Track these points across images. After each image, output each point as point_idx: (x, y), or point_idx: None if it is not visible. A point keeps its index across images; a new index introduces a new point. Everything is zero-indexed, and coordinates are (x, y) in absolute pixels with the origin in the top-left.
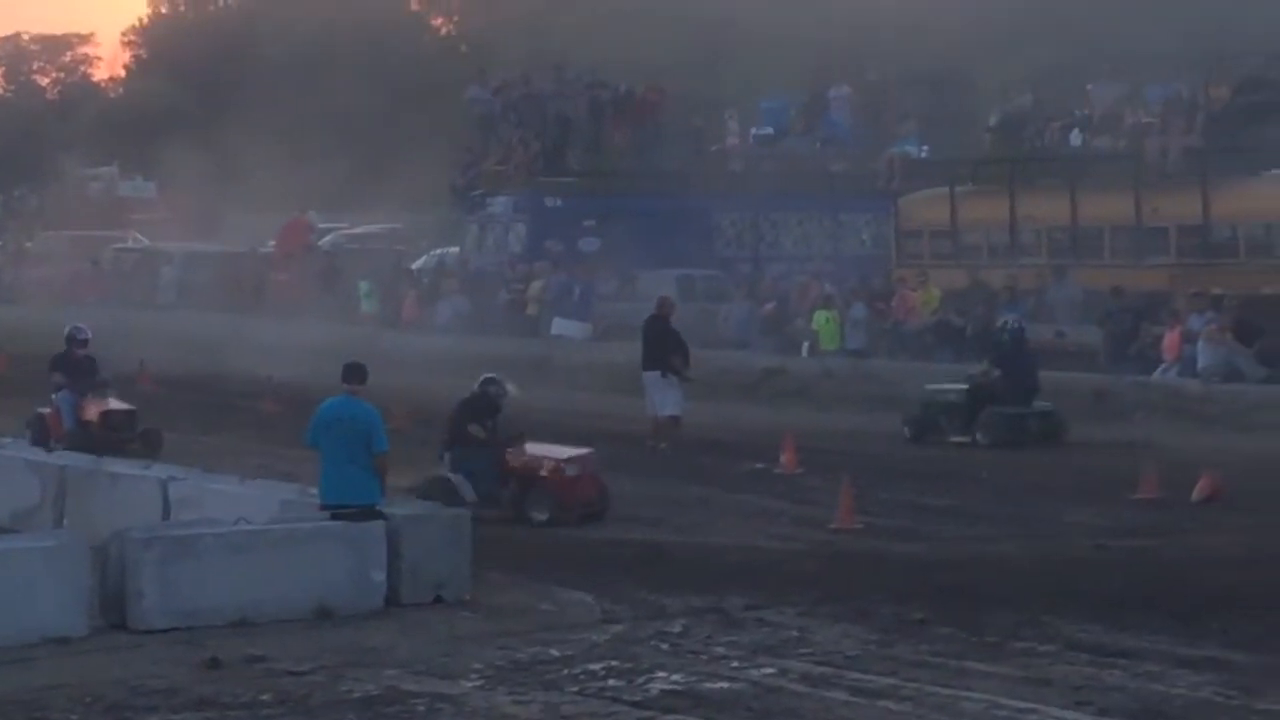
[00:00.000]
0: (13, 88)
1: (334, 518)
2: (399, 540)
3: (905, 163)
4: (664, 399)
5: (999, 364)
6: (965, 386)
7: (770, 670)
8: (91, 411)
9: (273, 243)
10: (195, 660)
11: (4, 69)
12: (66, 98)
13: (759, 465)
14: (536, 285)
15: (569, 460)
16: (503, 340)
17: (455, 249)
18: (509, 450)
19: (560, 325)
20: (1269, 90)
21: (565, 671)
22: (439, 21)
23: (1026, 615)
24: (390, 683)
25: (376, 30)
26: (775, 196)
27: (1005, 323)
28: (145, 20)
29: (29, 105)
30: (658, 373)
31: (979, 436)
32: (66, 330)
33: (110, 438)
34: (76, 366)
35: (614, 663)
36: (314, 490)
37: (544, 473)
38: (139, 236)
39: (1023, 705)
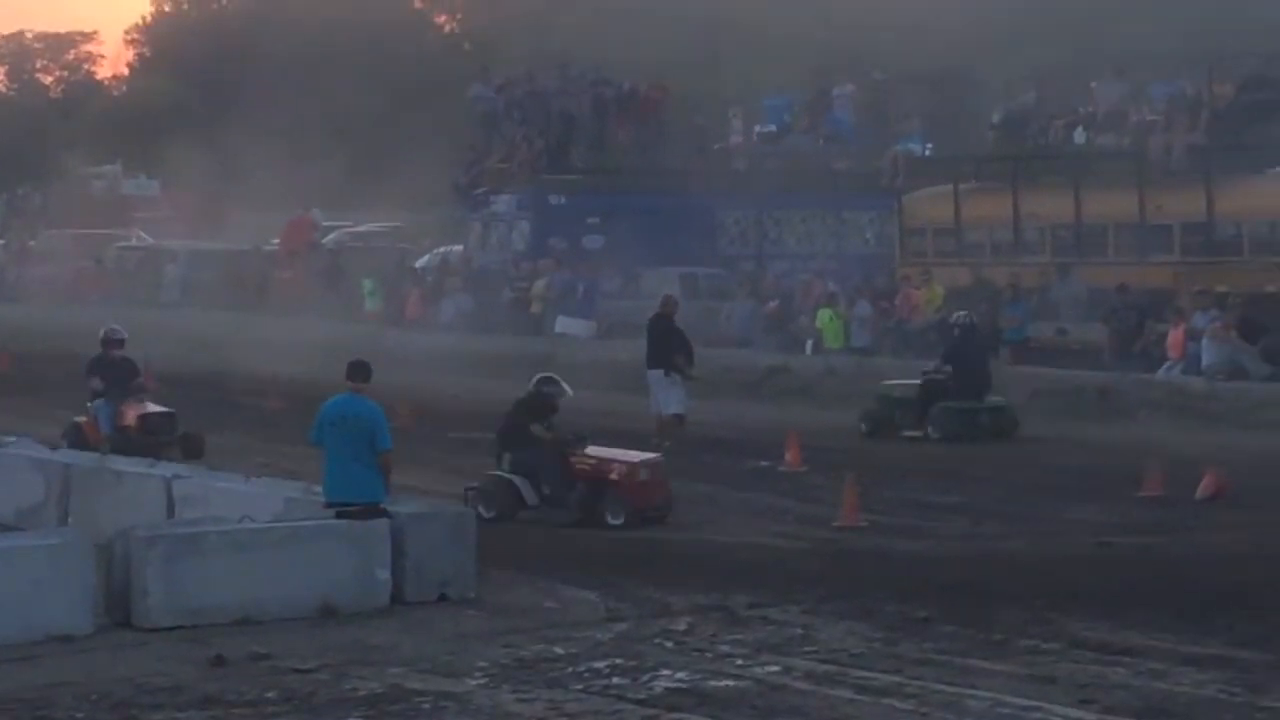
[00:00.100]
0: (16, 86)
1: (338, 516)
2: (403, 538)
3: (909, 160)
4: (668, 397)
5: (950, 360)
6: (918, 383)
7: (775, 668)
8: (130, 416)
9: (276, 241)
10: (200, 658)
11: (7, 67)
12: (70, 96)
13: (763, 463)
14: (540, 283)
15: (642, 464)
16: (506, 338)
17: (459, 247)
18: (574, 453)
19: (564, 323)
20: (1273, 88)
21: (570, 669)
22: (442, 19)
23: (1031, 613)
24: (395, 681)
25: (380, 28)
26: (779, 194)
27: (956, 320)
28: (148, 19)
29: (32, 103)
30: (661, 371)
31: (930, 431)
32: (101, 332)
33: (149, 442)
34: (114, 369)
35: (618, 661)
36: (318, 488)
37: (616, 476)
38: (142, 235)
39: (1027, 703)
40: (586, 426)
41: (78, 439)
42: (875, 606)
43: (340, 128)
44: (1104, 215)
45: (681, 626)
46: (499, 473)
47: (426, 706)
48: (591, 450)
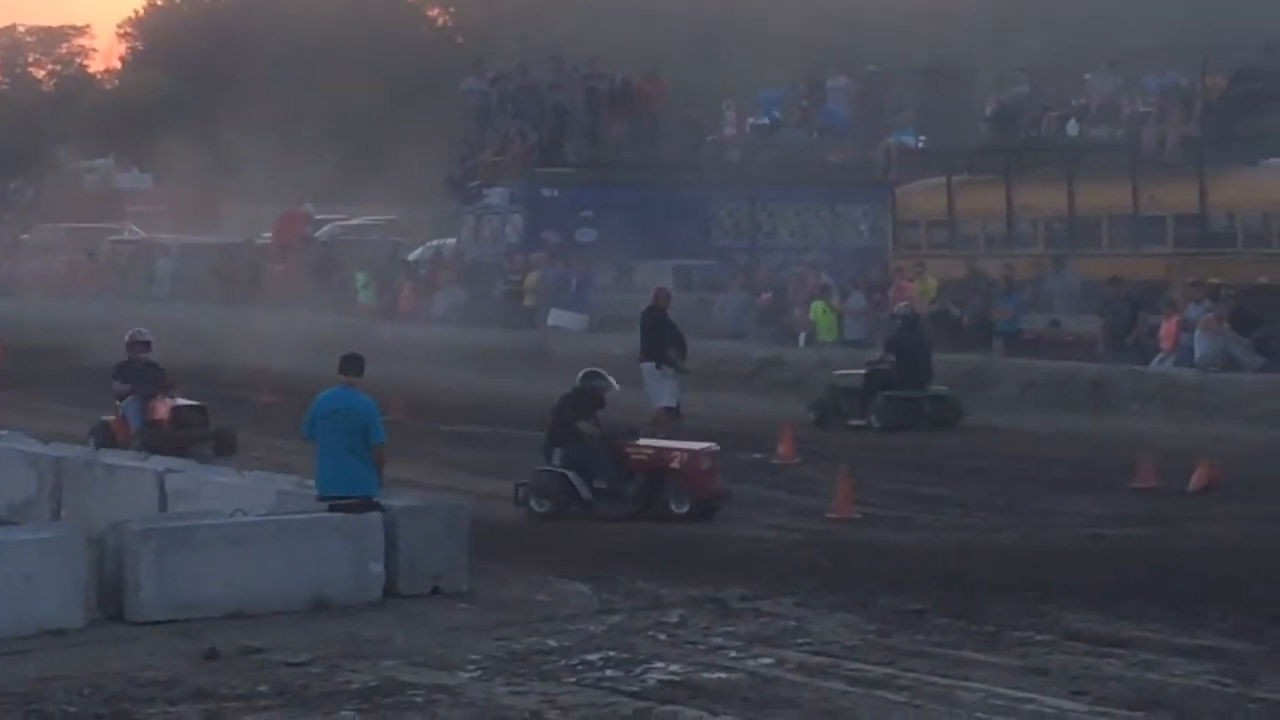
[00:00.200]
0: (8, 80)
1: (331, 509)
2: (396, 532)
3: (902, 153)
4: (660, 390)
5: (892, 351)
6: (863, 372)
7: (767, 660)
8: (161, 410)
9: (269, 234)
10: (193, 652)
11: (0, 61)
12: (62, 90)
13: (756, 455)
14: (533, 276)
15: (703, 453)
16: (499, 331)
17: (452, 240)
18: (626, 445)
19: (557, 316)
20: (1265, 80)
21: (563, 662)
22: (435, 13)
23: (1024, 605)
24: (388, 674)
25: (373, 22)
26: (772, 187)
27: (898, 311)
28: (141, 12)
29: (25, 97)
30: (653, 364)
31: (873, 420)
32: (127, 335)
33: (181, 436)
34: (140, 375)
35: (611, 653)
36: (311, 482)
37: (678, 465)
38: (135, 228)
39: (1020, 695)
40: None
41: (106, 438)
42: (868, 599)
43: (333, 121)
44: (1097, 207)
45: (674, 619)
46: (552, 468)
47: (419, 699)
48: (645, 441)
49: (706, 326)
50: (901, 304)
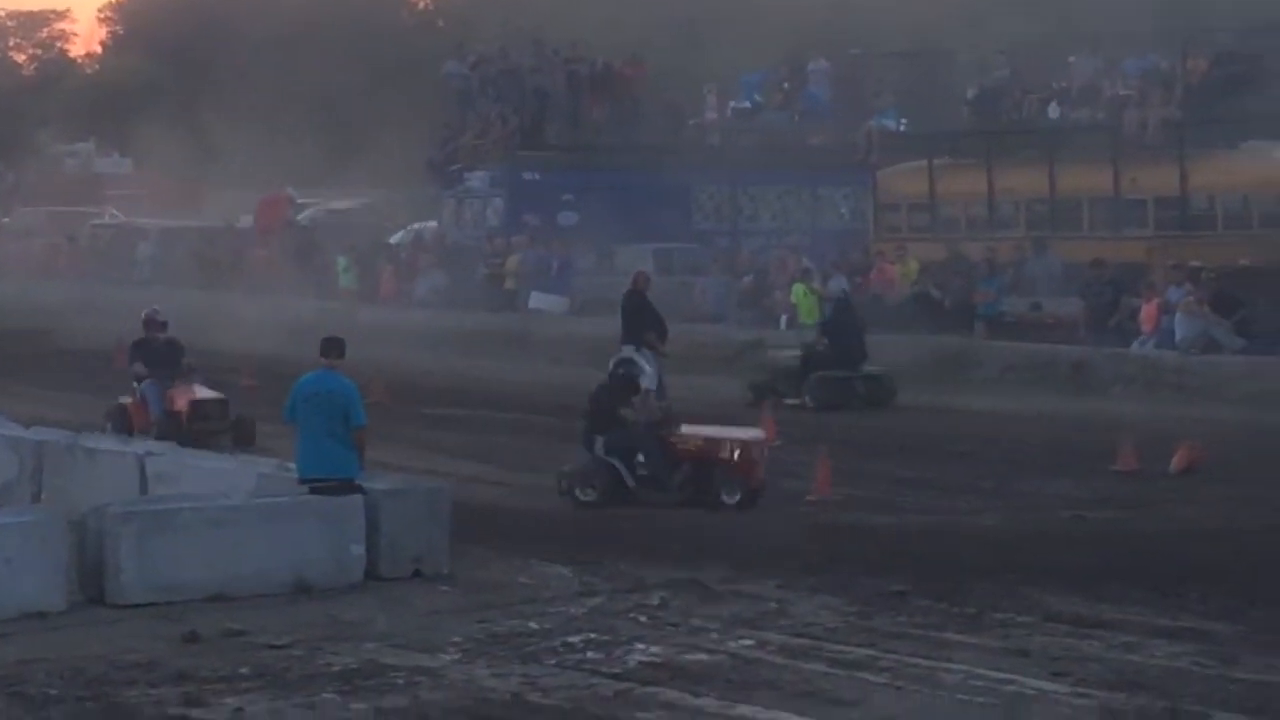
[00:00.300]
0: None
1: (312, 492)
2: (377, 514)
3: (884, 136)
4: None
5: (826, 332)
6: (799, 353)
7: (749, 642)
8: (180, 402)
9: (250, 218)
10: (174, 634)
11: None
12: (43, 74)
13: None
14: (514, 259)
15: (753, 442)
16: (480, 314)
17: (433, 223)
18: (673, 434)
19: (538, 299)
20: (1246, 63)
21: (544, 644)
22: None
23: (1005, 587)
24: (369, 656)
25: (354, 5)
26: (754, 170)
27: (833, 294)
28: None
29: (5, 82)
30: (633, 346)
31: (807, 399)
32: (143, 314)
33: (200, 429)
34: (157, 354)
35: (592, 635)
36: (292, 465)
37: (728, 455)
38: (115, 212)
39: (1001, 676)
40: (561, 402)
41: (123, 422)
42: (849, 580)
43: (314, 105)
44: (1078, 190)
45: (655, 601)
46: (595, 455)
47: (401, 682)
48: (689, 429)
49: (687, 310)
50: (834, 286)
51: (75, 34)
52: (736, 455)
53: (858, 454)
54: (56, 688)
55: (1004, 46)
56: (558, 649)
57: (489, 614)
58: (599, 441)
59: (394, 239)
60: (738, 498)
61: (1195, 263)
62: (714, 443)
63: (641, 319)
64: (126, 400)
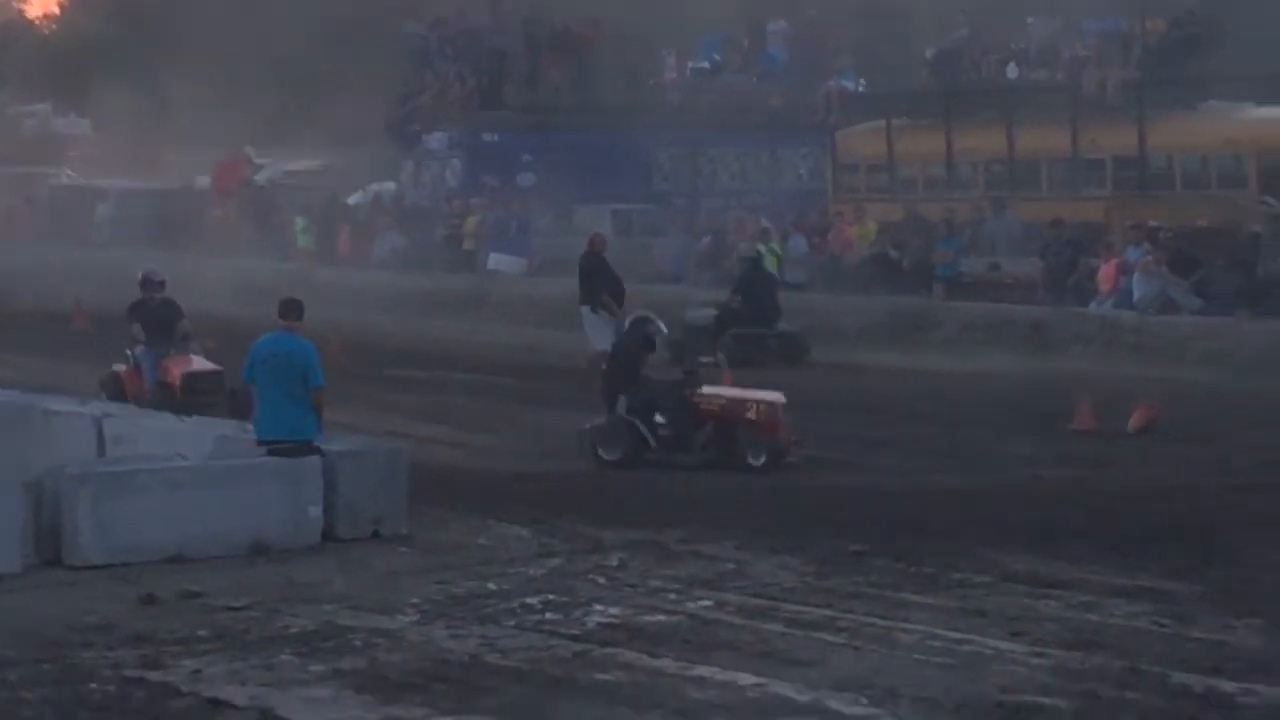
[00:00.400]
0: None
1: (270, 453)
2: (335, 475)
3: (842, 97)
4: (598, 333)
5: (739, 291)
6: (714, 312)
7: (707, 603)
8: (174, 373)
9: (208, 179)
10: (131, 596)
11: None
12: (0, 35)
13: None
14: (472, 220)
15: (777, 403)
16: (439, 275)
17: (391, 185)
18: (696, 393)
19: (496, 260)
20: (1204, 23)
21: (502, 605)
22: None
23: (962, 546)
24: (327, 618)
25: None
26: (712, 131)
27: (744, 253)
28: None
29: None
30: (588, 307)
31: (720, 357)
32: (139, 274)
33: (194, 402)
34: (155, 315)
35: (551, 596)
36: (250, 426)
37: (754, 416)
38: (73, 173)
39: (958, 636)
40: (520, 363)
41: (117, 390)
42: (807, 541)
43: (273, 65)
44: (1037, 150)
45: (614, 562)
46: (618, 415)
47: (359, 643)
48: (710, 390)
49: (646, 270)
50: (746, 246)
51: None
52: (760, 416)
53: (817, 414)
54: (13, 650)
55: (963, 7)
56: (516, 610)
57: (447, 575)
58: (621, 400)
59: (352, 200)
60: (763, 460)
61: (1153, 223)
62: (737, 403)
63: (596, 280)
64: (120, 368)
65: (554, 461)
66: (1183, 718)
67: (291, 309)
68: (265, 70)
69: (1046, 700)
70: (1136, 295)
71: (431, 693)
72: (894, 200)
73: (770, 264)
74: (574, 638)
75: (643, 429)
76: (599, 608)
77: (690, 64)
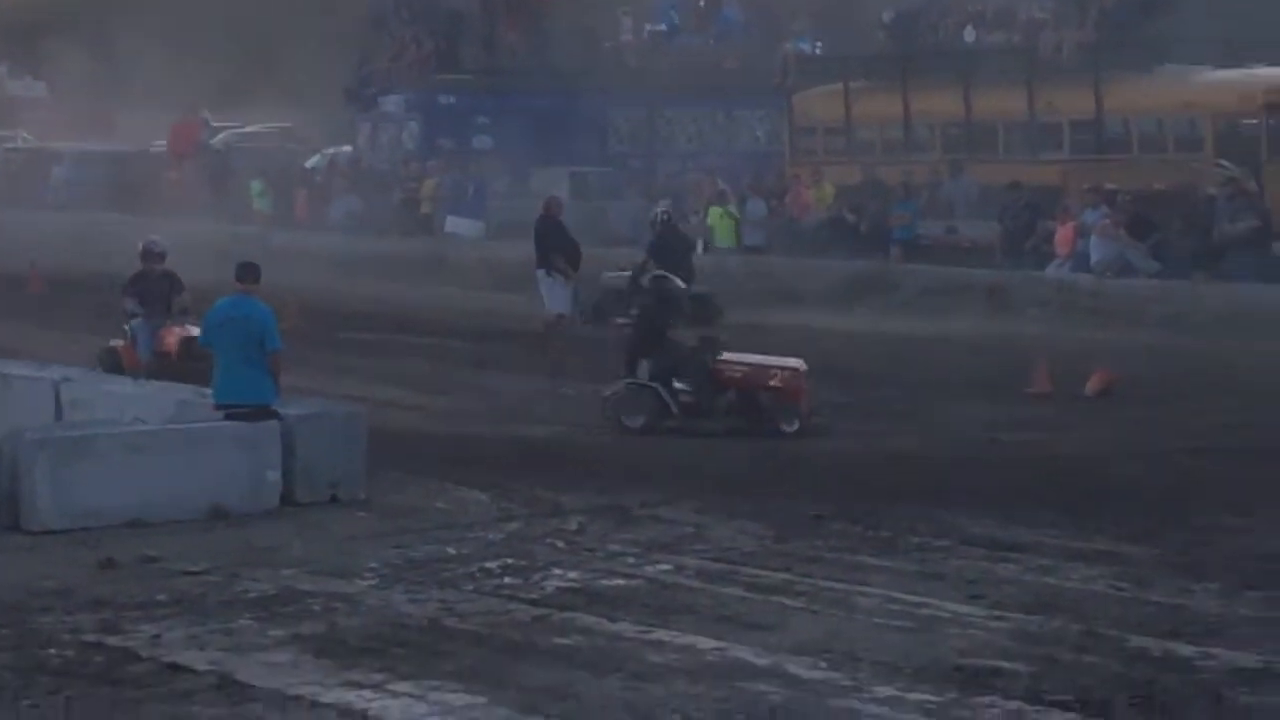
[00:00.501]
0: None
1: (228, 418)
2: (293, 440)
3: (799, 59)
4: (554, 296)
5: (653, 254)
6: (628, 274)
7: (666, 567)
8: (170, 341)
9: (164, 142)
10: (90, 561)
11: None
12: None
13: None
14: (429, 183)
15: (799, 370)
16: (396, 239)
17: (348, 148)
18: (718, 360)
19: (453, 223)
20: None
21: (461, 570)
22: None
23: (920, 510)
24: (286, 582)
25: None
26: (669, 94)
27: (656, 215)
28: None
29: None
30: (543, 271)
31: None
32: (140, 245)
33: (191, 368)
34: (153, 287)
35: (510, 560)
36: (208, 390)
37: (779, 383)
38: (28, 136)
39: (916, 599)
40: (476, 326)
41: (113, 365)
42: (766, 505)
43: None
44: (994, 113)
45: (573, 526)
46: (638, 380)
47: (317, 608)
48: (730, 356)
49: (603, 233)
50: (658, 209)
51: None
52: (784, 383)
53: None
54: None
55: None
56: (475, 574)
57: (406, 539)
58: (644, 365)
59: (309, 163)
60: (796, 426)
61: (1110, 186)
62: (760, 370)
63: (553, 243)
64: (118, 343)
65: (510, 424)
66: (1140, 681)
67: (248, 272)
68: (221, 32)
69: (1005, 663)
70: (1094, 258)
71: (390, 657)
72: (851, 163)
73: (727, 226)
74: (533, 602)
75: (665, 395)
76: (558, 572)
77: (647, 26)
